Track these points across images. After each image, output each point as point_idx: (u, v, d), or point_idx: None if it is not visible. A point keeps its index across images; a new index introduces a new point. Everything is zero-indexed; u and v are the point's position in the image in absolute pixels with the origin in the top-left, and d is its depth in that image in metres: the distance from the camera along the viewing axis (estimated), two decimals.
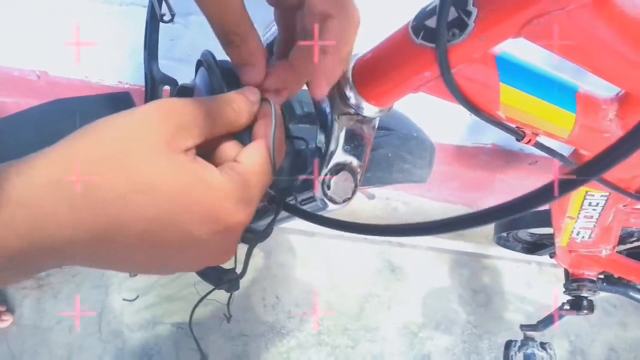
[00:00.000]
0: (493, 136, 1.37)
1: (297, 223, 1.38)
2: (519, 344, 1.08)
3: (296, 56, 0.35)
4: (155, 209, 0.26)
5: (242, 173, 0.31)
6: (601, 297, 1.21)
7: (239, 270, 0.45)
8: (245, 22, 0.33)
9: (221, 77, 0.41)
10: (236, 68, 0.36)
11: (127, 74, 1.12)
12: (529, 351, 1.07)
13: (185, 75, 0.56)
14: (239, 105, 0.33)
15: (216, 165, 0.31)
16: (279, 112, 0.37)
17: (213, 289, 0.49)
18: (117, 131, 0.27)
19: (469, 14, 0.30)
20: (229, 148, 0.34)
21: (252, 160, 0.32)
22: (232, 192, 0.29)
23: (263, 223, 0.42)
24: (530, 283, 1.58)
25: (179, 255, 0.29)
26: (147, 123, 0.27)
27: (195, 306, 0.44)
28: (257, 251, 1.33)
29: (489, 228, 1.23)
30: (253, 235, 0.44)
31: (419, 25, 0.34)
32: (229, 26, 0.33)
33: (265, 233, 0.41)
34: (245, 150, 0.33)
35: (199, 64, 0.46)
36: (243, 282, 1.32)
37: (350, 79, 0.41)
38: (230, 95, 0.34)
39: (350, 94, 0.41)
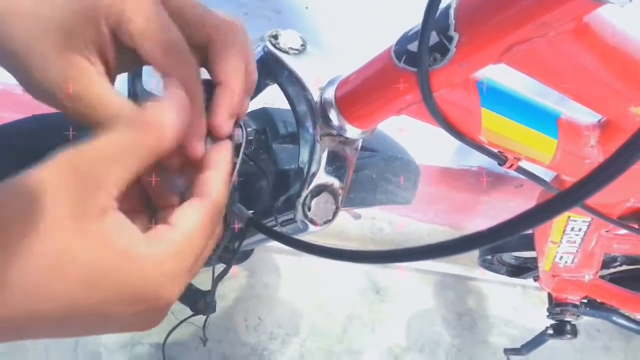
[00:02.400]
0: (479, 159, 1.37)
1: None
2: None
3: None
4: (68, 296, 0.23)
5: (174, 242, 0.26)
6: (585, 322, 1.20)
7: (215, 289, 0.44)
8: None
9: None
10: None
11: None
12: None
13: None
14: (160, 121, 0.26)
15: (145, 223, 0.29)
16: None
17: (191, 315, 0.48)
18: (15, 210, 0.22)
19: (450, 39, 0.30)
20: (162, 198, 0.30)
21: (188, 225, 0.27)
22: (161, 267, 0.25)
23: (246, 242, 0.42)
24: (515, 306, 1.57)
25: (107, 330, 0.27)
26: (46, 193, 0.22)
27: (170, 332, 0.43)
28: (240, 270, 1.32)
29: (474, 251, 1.23)
30: (229, 257, 0.43)
31: (401, 49, 0.34)
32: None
33: (237, 255, 0.40)
34: (181, 211, 0.27)
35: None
36: (225, 302, 1.30)
37: (334, 100, 0.41)
38: (138, 116, 0.27)
39: (333, 115, 0.41)
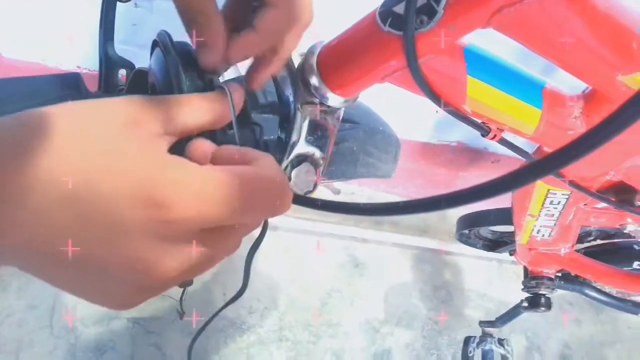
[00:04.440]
0: (458, 134, 1.38)
1: None
2: (477, 340, 1.09)
3: (259, 18, 0.32)
4: (84, 175, 0.22)
5: (205, 171, 0.26)
6: (558, 295, 1.23)
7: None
8: (212, 1, 0.31)
9: (178, 58, 0.39)
10: (196, 48, 0.34)
11: (87, 58, 1.07)
12: (487, 347, 1.08)
13: (145, 61, 0.53)
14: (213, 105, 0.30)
15: None
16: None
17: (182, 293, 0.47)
18: (76, 113, 0.24)
19: (438, 0, 0.29)
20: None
21: (260, 168, 0.27)
22: (186, 181, 0.24)
23: None
24: (490, 280, 1.60)
25: (105, 246, 0.24)
26: (112, 106, 0.25)
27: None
28: None
29: (452, 225, 1.24)
30: None
31: (386, 11, 0.33)
32: (193, 4, 0.30)
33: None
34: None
35: (154, 45, 0.44)
36: (203, 276, 1.29)
37: (315, 67, 0.40)
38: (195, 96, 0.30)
39: (315, 82, 0.40)
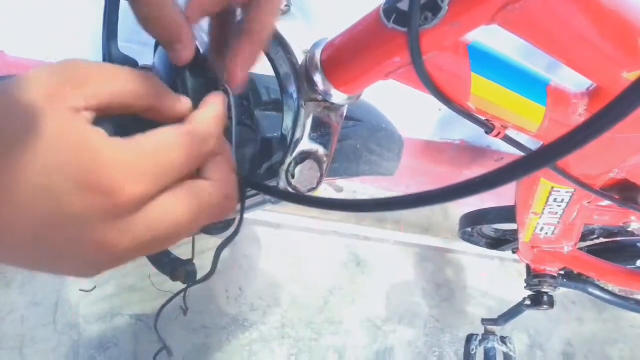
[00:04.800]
0: (461, 132, 1.37)
1: (263, 214, 1.36)
2: (479, 337, 1.09)
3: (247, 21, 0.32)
4: (21, 161, 0.22)
5: (138, 142, 0.25)
6: (560, 293, 1.23)
7: (195, 261, 0.43)
8: None
9: None
10: (165, 45, 0.32)
11: (90, 55, 1.07)
12: (489, 345, 1.08)
13: (148, 59, 0.53)
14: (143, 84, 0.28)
15: None
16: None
17: (185, 288, 0.47)
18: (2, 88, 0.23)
19: None
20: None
21: (157, 134, 0.26)
22: (118, 156, 0.24)
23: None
24: (492, 278, 1.60)
25: (53, 234, 0.23)
26: (33, 77, 0.24)
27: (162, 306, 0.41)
28: (219, 242, 1.31)
29: (454, 223, 1.24)
30: (217, 225, 0.42)
31: (390, 8, 0.33)
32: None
33: (235, 223, 0.39)
34: (155, 129, 0.27)
35: (157, 43, 0.44)
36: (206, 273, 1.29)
37: (319, 63, 0.40)
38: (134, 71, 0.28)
39: (318, 79, 0.40)
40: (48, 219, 0.23)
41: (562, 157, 0.18)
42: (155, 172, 0.25)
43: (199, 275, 0.49)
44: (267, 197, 0.45)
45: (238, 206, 0.36)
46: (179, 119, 0.30)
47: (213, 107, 0.31)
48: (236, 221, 0.38)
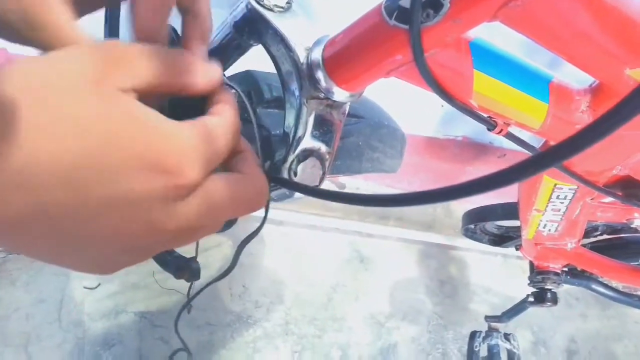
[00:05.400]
0: (464, 129, 1.37)
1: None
2: (483, 334, 1.10)
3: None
4: (80, 143, 0.21)
5: (206, 124, 0.26)
6: (564, 290, 1.23)
7: (199, 259, 0.43)
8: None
9: None
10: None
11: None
12: (492, 342, 1.08)
13: None
14: (198, 64, 0.28)
15: None
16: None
17: (198, 292, 0.47)
18: (43, 66, 0.22)
19: None
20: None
21: (221, 114, 0.28)
22: (181, 136, 0.24)
23: None
24: (495, 275, 1.60)
25: (107, 215, 0.23)
26: (76, 55, 0.23)
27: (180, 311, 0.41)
28: (224, 240, 1.31)
29: (458, 220, 1.24)
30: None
31: (392, 5, 0.33)
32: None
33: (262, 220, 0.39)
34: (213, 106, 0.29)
35: None
36: (210, 271, 1.29)
37: (321, 61, 0.40)
38: (187, 52, 0.29)
39: (320, 77, 0.40)
40: (109, 200, 0.22)
41: (572, 156, 0.18)
42: (210, 158, 0.26)
43: (201, 274, 0.49)
44: (281, 193, 0.45)
45: None
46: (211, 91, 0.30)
47: (232, 106, 0.30)
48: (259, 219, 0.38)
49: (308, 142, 0.43)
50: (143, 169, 0.23)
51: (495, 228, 1.20)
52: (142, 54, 0.25)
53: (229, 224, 0.66)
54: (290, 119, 0.43)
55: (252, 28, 0.43)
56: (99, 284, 1.17)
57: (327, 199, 0.32)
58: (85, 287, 1.16)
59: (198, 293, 0.45)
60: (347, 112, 0.44)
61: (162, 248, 0.27)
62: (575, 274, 0.95)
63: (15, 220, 0.21)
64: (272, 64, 0.44)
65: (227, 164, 0.30)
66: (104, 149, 0.22)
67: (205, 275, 1.29)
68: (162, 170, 0.23)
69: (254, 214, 0.32)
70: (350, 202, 0.29)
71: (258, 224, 0.41)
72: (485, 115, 0.42)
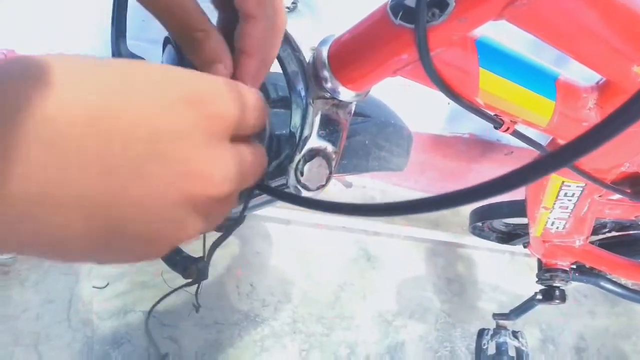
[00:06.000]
0: (471, 126, 1.37)
1: (273, 211, 1.36)
2: (491, 332, 1.09)
3: (243, 39, 0.32)
4: (112, 99, 0.21)
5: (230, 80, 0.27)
6: (572, 287, 1.23)
7: (206, 258, 0.43)
8: (204, 15, 0.30)
9: None
10: (202, 68, 0.32)
11: (98, 54, 1.08)
12: (501, 340, 1.08)
13: (157, 56, 0.53)
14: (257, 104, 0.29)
15: None
16: None
17: (190, 283, 0.47)
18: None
19: None
20: None
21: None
22: (213, 78, 0.25)
23: (235, 209, 0.40)
24: (503, 273, 1.60)
25: (153, 162, 0.22)
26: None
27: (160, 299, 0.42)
28: (232, 239, 1.31)
29: (465, 218, 1.23)
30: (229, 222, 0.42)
31: (397, 4, 0.33)
32: (191, 21, 0.29)
33: (239, 220, 0.39)
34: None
35: (166, 42, 0.44)
36: (217, 270, 1.30)
37: (327, 61, 0.40)
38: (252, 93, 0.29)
39: (326, 76, 0.40)
40: (157, 145, 0.22)
41: (586, 154, 0.17)
42: (245, 107, 0.26)
43: (209, 274, 0.49)
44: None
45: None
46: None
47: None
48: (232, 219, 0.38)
49: (314, 141, 0.43)
50: (181, 102, 0.23)
51: (503, 225, 1.20)
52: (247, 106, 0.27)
53: (238, 222, 0.66)
54: (296, 119, 0.43)
55: None
56: (108, 284, 1.18)
57: (311, 208, 0.31)
58: (94, 287, 1.17)
59: (163, 298, 0.45)
60: (353, 111, 0.44)
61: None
62: (583, 272, 0.95)
63: (45, 192, 0.20)
64: (278, 64, 0.44)
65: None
66: (141, 95, 0.22)
67: (212, 274, 1.29)
68: (197, 102, 0.23)
69: (259, 212, 0.32)
70: (342, 213, 0.29)
71: (263, 223, 0.41)
72: (491, 113, 0.42)
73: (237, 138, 0.27)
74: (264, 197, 0.51)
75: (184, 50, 0.31)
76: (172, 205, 0.23)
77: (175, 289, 0.46)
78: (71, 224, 0.21)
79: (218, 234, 0.41)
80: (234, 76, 0.32)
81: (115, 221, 0.22)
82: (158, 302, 0.49)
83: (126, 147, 0.21)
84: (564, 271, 0.90)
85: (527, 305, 1.03)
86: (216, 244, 0.40)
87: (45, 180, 0.19)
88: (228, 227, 0.40)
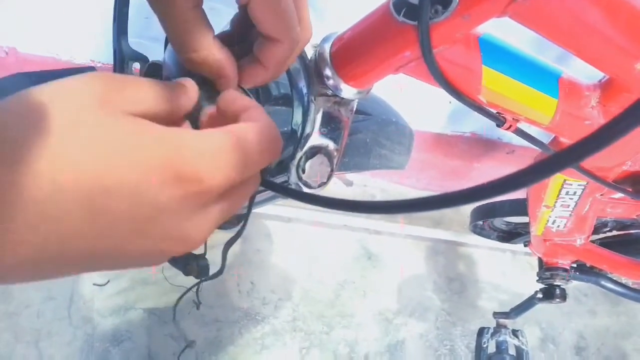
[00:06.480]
0: (472, 125, 1.37)
1: (274, 209, 1.36)
2: (491, 331, 1.09)
3: (263, 53, 0.32)
4: (99, 165, 0.21)
5: (234, 131, 0.26)
6: (573, 286, 1.23)
7: (208, 256, 0.43)
8: (200, 32, 0.29)
9: None
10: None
11: (100, 52, 1.08)
12: (501, 338, 1.07)
13: (159, 54, 0.53)
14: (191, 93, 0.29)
15: None
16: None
17: (197, 284, 0.47)
18: (52, 92, 0.22)
19: None
20: None
21: (237, 127, 0.27)
22: (202, 144, 0.24)
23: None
24: (504, 271, 1.60)
25: (137, 232, 0.23)
26: (70, 86, 0.23)
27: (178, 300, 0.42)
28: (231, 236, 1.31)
29: (466, 216, 1.23)
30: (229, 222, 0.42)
31: (400, 1, 0.33)
32: (192, 42, 0.29)
33: (244, 218, 0.39)
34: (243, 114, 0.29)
35: (167, 40, 0.44)
36: (218, 268, 1.30)
37: (329, 58, 0.39)
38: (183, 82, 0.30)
39: (328, 74, 0.40)
40: (139, 218, 0.23)
41: (594, 153, 0.17)
42: (242, 162, 0.26)
43: (210, 271, 0.49)
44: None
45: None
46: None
47: (261, 110, 0.31)
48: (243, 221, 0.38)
49: (316, 139, 0.43)
50: (168, 180, 0.23)
51: (504, 224, 1.20)
52: (137, 83, 0.26)
53: (236, 222, 0.66)
54: (298, 116, 0.43)
55: None
56: (108, 281, 1.18)
57: (318, 205, 0.31)
58: (94, 284, 1.17)
59: (188, 290, 0.45)
60: (355, 109, 0.44)
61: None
62: (584, 270, 0.95)
63: (40, 253, 0.21)
64: None
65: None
66: (122, 167, 0.22)
67: (213, 271, 1.29)
68: (186, 179, 0.23)
69: (260, 210, 0.32)
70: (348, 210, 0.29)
71: (264, 221, 0.41)
72: (494, 111, 0.42)
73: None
74: (265, 194, 0.51)
75: (187, 66, 0.31)
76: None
77: (200, 282, 0.46)
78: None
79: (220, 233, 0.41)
80: (241, 80, 0.33)
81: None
82: (179, 299, 0.49)
83: (109, 217, 0.22)
84: (565, 270, 0.90)
85: (527, 304, 1.03)
86: (230, 243, 0.39)
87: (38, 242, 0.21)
88: (239, 229, 0.40)
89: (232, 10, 0.33)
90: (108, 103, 0.23)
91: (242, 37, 0.34)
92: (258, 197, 0.49)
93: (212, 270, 0.50)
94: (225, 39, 0.32)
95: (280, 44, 0.30)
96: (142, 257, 0.25)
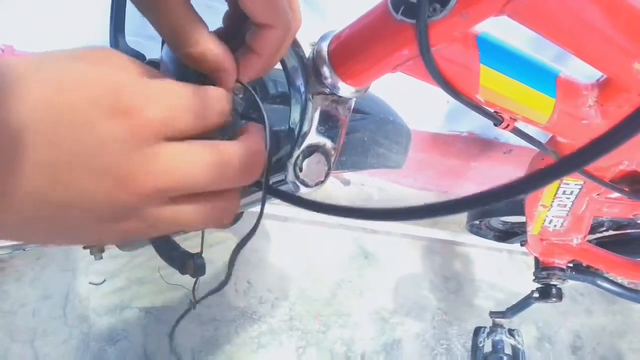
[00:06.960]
0: (469, 124, 1.37)
1: (271, 208, 1.36)
2: (487, 330, 1.09)
3: (256, 41, 0.32)
4: (52, 99, 0.23)
5: (167, 80, 0.27)
6: (569, 285, 1.23)
7: (204, 254, 0.43)
8: (200, 24, 0.30)
9: None
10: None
11: None
12: (497, 337, 1.08)
13: (156, 52, 0.53)
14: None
15: None
16: None
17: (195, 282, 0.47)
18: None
19: None
20: None
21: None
22: (148, 86, 0.25)
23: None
24: (500, 271, 1.60)
25: (81, 166, 0.23)
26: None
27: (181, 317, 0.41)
28: (229, 235, 1.31)
29: (462, 216, 1.23)
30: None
31: None
32: (186, 39, 0.29)
33: (255, 222, 0.38)
34: None
35: None
36: (214, 267, 1.29)
37: (327, 56, 0.39)
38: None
39: (326, 72, 0.40)
40: (73, 150, 0.23)
41: (600, 157, 0.17)
42: (175, 108, 0.26)
43: (207, 271, 0.49)
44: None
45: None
46: None
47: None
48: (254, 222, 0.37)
49: (313, 137, 0.42)
50: (102, 113, 0.23)
51: (501, 224, 1.20)
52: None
53: (234, 220, 0.66)
54: (295, 115, 0.43)
55: None
56: (105, 280, 1.18)
57: (314, 210, 0.31)
58: (90, 283, 1.17)
59: (198, 301, 0.45)
60: (352, 107, 0.44)
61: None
62: (580, 270, 0.95)
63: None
64: None
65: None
66: (73, 98, 0.23)
67: (211, 271, 1.29)
68: (119, 111, 0.23)
69: (253, 210, 0.31)
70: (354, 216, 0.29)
71: (263, 220, 0.40)
72: (492, 110, 0.42)
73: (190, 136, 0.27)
74: (255, 196, 0.51)
75: (184, 61, 0.31)
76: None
77: (197, 302, 0.46)
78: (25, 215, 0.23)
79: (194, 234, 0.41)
80: (237, 73, 0.32)
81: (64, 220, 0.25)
82: (183, 314, 0.49)
83: (62, 150, 0.22)
84: (561, 269, 0.90)
85: (523, 304, 1.03)
86: (238, 249, 0.39)
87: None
88: (249, 233, 0.40)
89: None
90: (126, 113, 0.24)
91: (235, 34, 0.34)
92: (252, 197, 0.49)
93: (208, 269, 0.50)
94: (218, 35, 0.31)
95: (274, 30, 0.31)
96: (86, 198, 0.24)
